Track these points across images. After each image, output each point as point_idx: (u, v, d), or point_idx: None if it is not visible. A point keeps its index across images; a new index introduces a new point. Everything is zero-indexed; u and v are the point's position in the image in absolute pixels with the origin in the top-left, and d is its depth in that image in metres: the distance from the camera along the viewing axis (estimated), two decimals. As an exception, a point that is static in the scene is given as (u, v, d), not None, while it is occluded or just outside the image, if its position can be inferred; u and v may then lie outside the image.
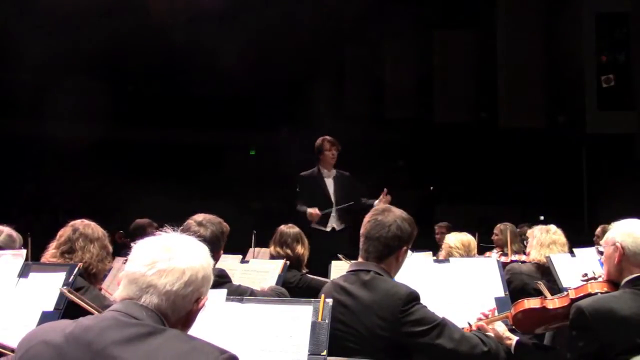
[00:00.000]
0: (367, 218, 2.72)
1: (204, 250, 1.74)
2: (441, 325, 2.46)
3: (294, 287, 4.17)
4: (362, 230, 2.71)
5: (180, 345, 1.56)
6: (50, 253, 3.26)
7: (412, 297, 2.49)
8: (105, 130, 9.96)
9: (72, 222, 3.36)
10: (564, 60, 11.66)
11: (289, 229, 4.53)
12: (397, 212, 2.71)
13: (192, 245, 1.72)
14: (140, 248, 1.68)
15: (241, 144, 11.54)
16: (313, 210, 6.07)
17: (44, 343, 1.58)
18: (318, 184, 6.32)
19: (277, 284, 3.93)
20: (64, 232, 3.32)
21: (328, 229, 6.22)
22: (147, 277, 1.61)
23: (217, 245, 3.18)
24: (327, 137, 6.35)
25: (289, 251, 4.39)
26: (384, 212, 2.70)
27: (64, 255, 3.24)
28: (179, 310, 1.64)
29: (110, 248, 3.44)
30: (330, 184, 6.34)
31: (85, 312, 2.66)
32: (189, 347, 1.56)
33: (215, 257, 3.26)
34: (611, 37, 11.73)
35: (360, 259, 2.70)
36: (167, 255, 1.64)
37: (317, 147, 6.35)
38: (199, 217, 3.23)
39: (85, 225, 3.35)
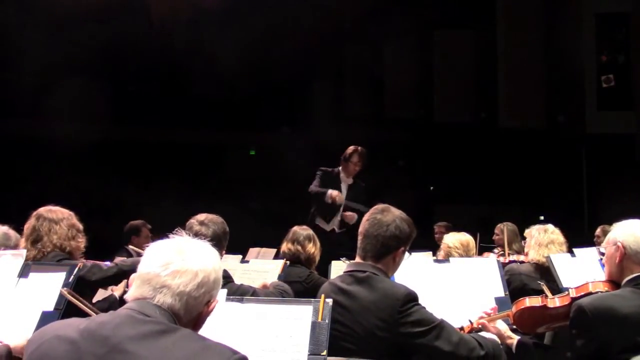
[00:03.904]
0: (366, 217, 2.73)
1: (215, 253, 1.77)
2: (439, 327, 2.45)
3: (302, 282, 4.24)
4: (360, 229, 2.71)
5: (194, 344, 1.57)
6: (22, 247, 3.29)
7: (410, 298, 2.49)
8: (105, 130, 9.95)
9: (35, 211, 3.43)
10: (564, 60, 11.65)
11: (303, 230, 4.62)
12: (397, 212, 2.71)
13: (204, 248, 1.75)
14: (154, 250, 1.71)
15: (241, 144, 11.53)
16: (335, 192, 6.21)
17: (57, 338, 1.59)
18: (335, 184, 6.48)
19: (277, 284, 3.94)
20: (29, 223, 3.39)
21: (328, 229, 6.34)
22: (162, 277, 1.64)
23: (219, 244, 3.19)
24: (360, 150, 6.49)
25: (299, 248, 4.46)
26: (383, 212, 2.70)
27: (34, 245, 3.29)
28: (190, 312, 1.66)
29: (80, 226, 3.48)
30: (344, 188, 6.51)
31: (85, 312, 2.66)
32: (202, 346, 1.58)
33: None
34: (611, 37, 11.72)
35: (357, 258, 2.70)
36: (180, 257, 1.67)
37: (346, 154, 6.51)
38: (201, 216, 3.25)
39: (48, 211, 3.42)
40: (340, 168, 6.59)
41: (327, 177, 6.58)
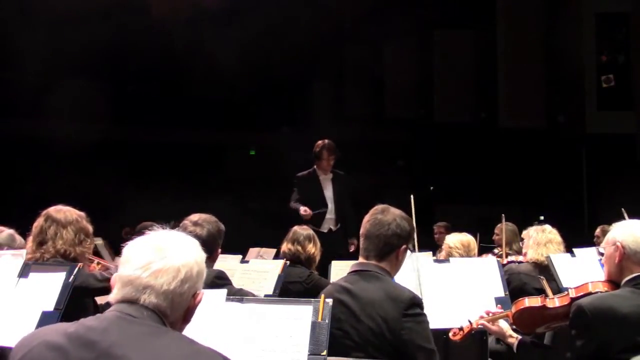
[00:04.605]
0: (366, 218, 2.75)
1: (195, 244, 1.73)
2: (435, 354, 2.49)
3: (302, 282, 4.23)
4: (361, 231, 2.73)
5: (185, 347, 1.56)
6: (29, 247, 3.20)
7: (415, 302, 2.51)
8: (105, 130, 9.96)
9: (45, 210, 3.27)
10: (564, 60, 11.65)
11: (303, 230, 4.61)
12: (396, 212, 2.74)
13: (183, 242, 1.71)
14: (132, 250, 1.66)
15: (241, 144, 11.54)
16: (304, 210, 6.11)
17: (45, 344, 1.55)
18: (315, 186, 6.39)
19: (276, 284, 3.94)
20: (38, 223, 3.24)
21: (325, 230, 6.28)
22: (143, 279, 1.60)
23: (214, 244, 3.18)
24: (327, 144, 6.37)
25: (299, 248, 4.44)
26: (384, 212, 2.72)
27: (39, 248, 3.17)
28: (177, 308, 1.64)
29: (90, 228, 3.32)
30: (327, 186, 6.42)
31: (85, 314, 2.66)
32: (193, 350, 1.57)
33: (213, 257, 3.26)
34: (611, 37, 11.72)
35: (360, 259, 2.72)
36: (160, 255, 1.63)
37: (315, 152, 6.41)
38: (195, 217, 3.23)
39: (57, 211, 3.26)
40: (315, 167, 6.50)
41: (305, 183, 6.44)
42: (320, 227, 6.25)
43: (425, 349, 2.45)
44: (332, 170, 6.45)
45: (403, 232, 2.67)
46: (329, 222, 6.38)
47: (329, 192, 6.40)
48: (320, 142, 6.45)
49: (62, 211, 3.26)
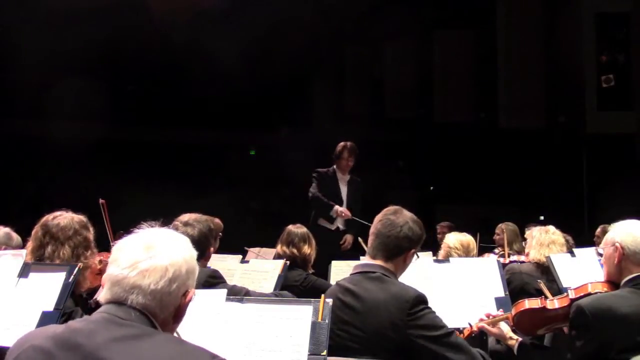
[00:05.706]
0: (378, 217, 2.73)
1: (185, 242, 1.71)
2: (449, 335, 2.45)
3: (298, 285, 4.23)
4: (372, 229, 2.71)
5: (172, 348, 1.55)
6: (27, 258, 3.05)
7: (420, 300, 2.49)
8: (105, 130, 9.95)
9: (44, 219, 3.09)
10: (564, 60, 11.64)
11: (297, 229, 4.59)
12: (408, 214, 2.73)
13: (172, 240, 1.69)
14: (120, 249, 1.65)
15: (241, 144, 11.53)
16: (340, 209, 6.28)
17: (33, 347, 1.56)
18: (333, 184, 6.55)
19: (276, 284, 3.94)
20: (35, 235, 3.07)
21: (333, 227, 6.41)
22: (131, 278, 1.59)
23: (206, 243, 3.19)
24: (349, 145, 6.59)
25: (295, 250, 4.43)
26: (396, 213, 2.70)
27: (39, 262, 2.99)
28: (167, 307, 1.63)
29: (90, 236, 3.12)
30: (344, 187, 6.57)
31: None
32: (181, 350, 1.55)
33: (207, 255, 3.27)
34: (611, 37, 11.72)
35: (367, 257, 2.70)
36: (147, 254, 1.62)
37: (336, 151, 6.60)
38: (185, 217, 3.24)
39: (55, 223, 3.06)
40: (334, 167, 6.64)
41: (324, 179, 6.63)
42: (332, 224, 6.41)
43: (437, 337, 2.41)
44: (349, 173, 6.62)
45: (414, 236, 2.67)
46: (340, 221, 6.50)
47: (344, 192, 6.55)
48: (342, 143, 6.66)
49: (61, 223, 3.06)
